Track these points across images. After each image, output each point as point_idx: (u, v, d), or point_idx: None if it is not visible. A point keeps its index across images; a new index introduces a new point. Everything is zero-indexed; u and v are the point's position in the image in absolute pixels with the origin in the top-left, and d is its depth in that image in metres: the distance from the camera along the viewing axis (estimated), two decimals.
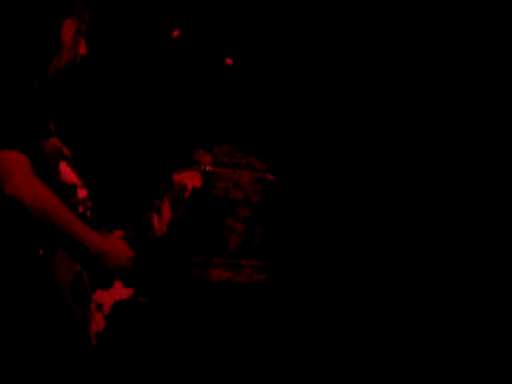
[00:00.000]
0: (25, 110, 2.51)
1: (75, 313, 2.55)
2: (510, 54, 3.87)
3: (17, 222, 2.49)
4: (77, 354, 2.58)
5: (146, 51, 3.32)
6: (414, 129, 3.96)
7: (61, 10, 2.64)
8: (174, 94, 3.67)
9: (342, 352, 3.85)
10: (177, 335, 3.40)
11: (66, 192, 2.61)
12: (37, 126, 2.56)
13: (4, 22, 2.52)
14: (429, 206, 3.96)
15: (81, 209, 2.67)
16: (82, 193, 2.69)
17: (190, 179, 2.94)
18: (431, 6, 3.91)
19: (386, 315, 3.92)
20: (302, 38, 3.93)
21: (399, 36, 3.94)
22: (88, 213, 2.69)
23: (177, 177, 2.91)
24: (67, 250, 2.56)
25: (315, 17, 3.91)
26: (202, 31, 3.46)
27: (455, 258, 3.92)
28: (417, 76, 3.96)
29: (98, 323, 2.63)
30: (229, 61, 2.93)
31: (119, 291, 2.71)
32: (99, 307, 2.64)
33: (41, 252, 2.49)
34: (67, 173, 2.66)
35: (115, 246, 2.67)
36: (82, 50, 2.73)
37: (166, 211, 2.85)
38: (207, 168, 3.03)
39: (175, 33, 2.88)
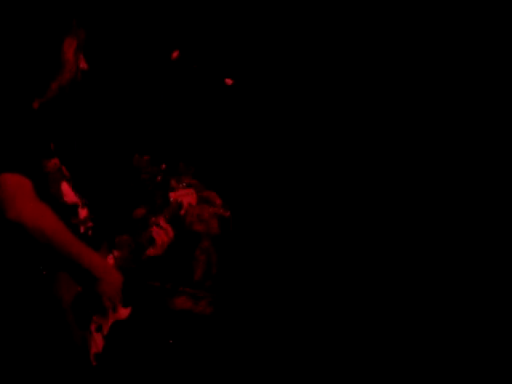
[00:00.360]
0: (26, 132, 2.49)
1: (75, 334, 2.55)
2: (510, 54, 3.89)
3: (20, 244, 2.48)
4: (76, 374, 2.57)
5: (146, 71, 3.33)
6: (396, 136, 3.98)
7: (59, 28, 2.64)
8: (170, 114, 3.69)
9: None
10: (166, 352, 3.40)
11: (67, 212, 2.60)
12: (38, 147, 2.55)
13: (4, 41, 2.52)
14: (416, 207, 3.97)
15: (82, 229, 2.67)
16: (82, 213, 2.69)
17: (185, 197, 2.96)
18: (431, 6, 3.92)
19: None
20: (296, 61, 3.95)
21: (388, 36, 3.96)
22: (90, 233, 2.69)
23: (173, 195, 2.92)
24: (68, 272, 2.55)
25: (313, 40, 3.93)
26: (201, 52, 3.48)
27: (454, 258, 3.92)
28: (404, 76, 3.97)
29: (97, 344, 2.62)
30: (228, 81, 2.94)
31: (116, 312, 2.71)
32: (99, 328, 2.64)
33: (44, 272, 2.49)
34: (68, 193, 2.66)
35: (112, 272, 2.66)
36: (83, 65, 2.73)
37: (167, 228, 2.86)
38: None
39: (174, 54, 2.88)
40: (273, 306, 3.89)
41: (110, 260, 2.73)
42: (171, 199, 2.92)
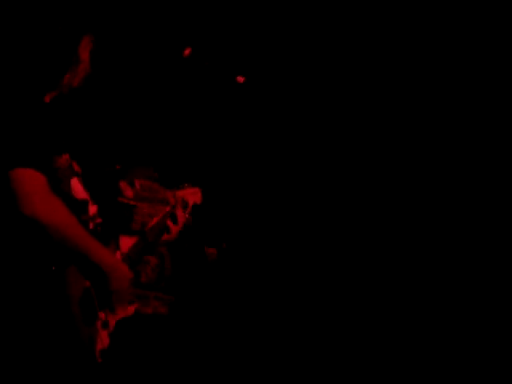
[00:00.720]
0: (38, 127, 2.50)
1: (82, 330, 2.54)
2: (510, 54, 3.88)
3: (31, 238, 2.48)
4: (82, 371, 2.56)
5: (158, 69, 3.32)
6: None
7: (77, 27, 2.65)
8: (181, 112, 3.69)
9: None
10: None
11: (77, 208, 2.60)
12: (50, 142, 2.55)
13: (22, 32, 2.51)
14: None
15: (91, 225, 2.67)
16: (92, 209, 2.69)
17: (191, 196, 2.97)
18: (431, 6, 3.92)
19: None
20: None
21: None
22: (99, 229, 2.69)
23: (179, 193, 2.93)
24: (78, 267, 2.55)
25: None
26: (213, 49, 3.46)
27: (454, 258, 3.93)
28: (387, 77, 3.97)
29: (103, 341, 2.62)
30: (240, 78, 2.93)
31: (122, 310, 2.71)
32: (105, 325, 2.63)
33: (53, 268, 2.49)
34: (78, 189, 2.66)
35: (121, 268, 2.67)
36: (95, 67, 2.73)
37: (181, 217, 2.94)
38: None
39: (186, 51, 2.87)
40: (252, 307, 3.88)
41: (118, 256, 2.74)
42: (178, 197, 2.94)
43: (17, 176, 2.41)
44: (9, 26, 2.45)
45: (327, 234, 4.01)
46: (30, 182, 2.42)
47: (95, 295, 2.59)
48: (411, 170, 4.00)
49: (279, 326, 3.91)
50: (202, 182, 3.06)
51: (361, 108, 4.01)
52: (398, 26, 3.96)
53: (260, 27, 3.88)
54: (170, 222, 2.94)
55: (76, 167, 2.67)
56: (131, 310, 2.74)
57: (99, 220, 2.71)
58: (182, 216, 2.96)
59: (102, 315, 2.63)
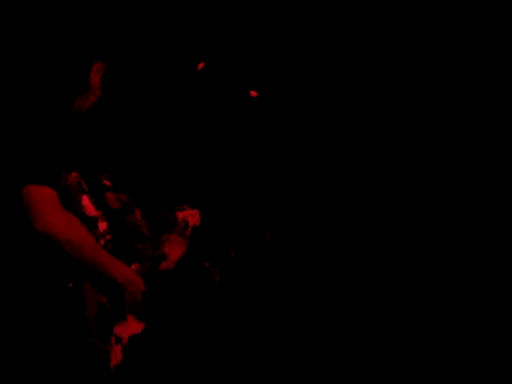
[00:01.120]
0: (49, 144, 2.52)
1: (99, 347, 2.55)
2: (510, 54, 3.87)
3: (46, 256, 2.50)
4: None
5: (171, 87, 3.33)
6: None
7: (89, 52, 2.66)
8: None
9: None
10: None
11: (87, 225, 2.62)
12: (60, 159, 2.57)
13: (36, 57, 2.53)
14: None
15: (102, 241, 2.68)
16: (102, 226, 2.70)
17: (191, 217, 2.96)
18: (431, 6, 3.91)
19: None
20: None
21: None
22: (110, 246, 2.69)
23: (180, 214, 2.92)
24: (93, 282, 2.56)
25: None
26: (227, 63, 3.47)
27: (454, 258, 3.91)
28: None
29: (117, 356, 2.62)
30: (253, 93, 2.93)
31: (134, 325, 2.71)
32: (118, 340, 2.64)
33: (70, 285, 2.50)
34: (88, 206, 2.67)
35: (136, 281, 2.67)
36: (106, 91, 2.75)
37: (179, 244, 2.87)
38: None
39: (200, 65, 2.88)
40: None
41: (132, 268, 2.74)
42: (179, 218, 2.92)
43: (29, 193, 2.44)
44: (22, 51, 2.48)
45: (330, 250, 4.01)
46: (42, 199, 2.45)
47: (110, 310, 2.60)
48: (411, 170, 3.99)
49: (279, 329, 3.90)
50: (200, 203, 3.04)
51: (365, 112, 4.00)
52: (398, 26, 3.96)
53: (274, 42, 3.89)
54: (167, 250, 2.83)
55: (84, 185, 2.68)
56: (141, 326, 2.74)
57: (109, 237, 2.72)
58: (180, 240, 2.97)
59: (116, 330, 2.63)
